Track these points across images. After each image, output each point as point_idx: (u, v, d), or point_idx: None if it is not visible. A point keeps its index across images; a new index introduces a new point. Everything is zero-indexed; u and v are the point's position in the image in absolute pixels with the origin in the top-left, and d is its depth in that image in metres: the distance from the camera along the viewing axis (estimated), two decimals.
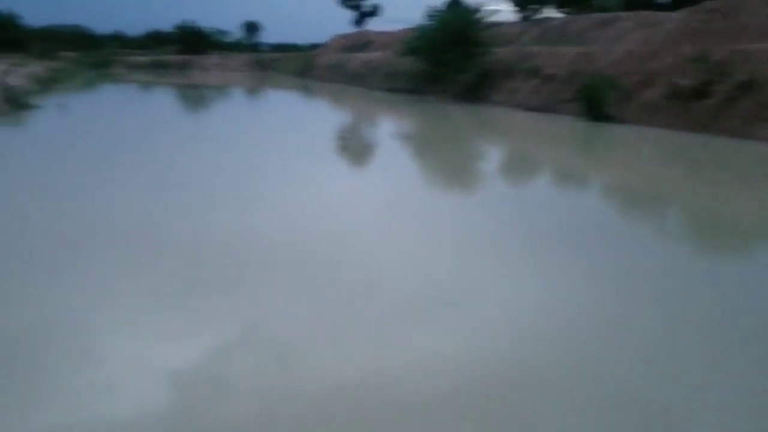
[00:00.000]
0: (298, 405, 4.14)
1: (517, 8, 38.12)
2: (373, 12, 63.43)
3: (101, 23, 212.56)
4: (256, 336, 5.10)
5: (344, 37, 59.58)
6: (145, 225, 8.20)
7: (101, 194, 9.80)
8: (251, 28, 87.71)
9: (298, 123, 22.61)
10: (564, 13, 36.90)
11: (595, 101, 20.42)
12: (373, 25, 62.67)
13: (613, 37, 25.36)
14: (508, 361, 4.78)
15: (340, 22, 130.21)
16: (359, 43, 53.49)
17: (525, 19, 36.89)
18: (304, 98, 36.41)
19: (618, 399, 4.27)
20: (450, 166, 14.36)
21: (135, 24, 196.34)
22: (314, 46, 71.63)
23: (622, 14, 27.85)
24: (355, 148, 16.69)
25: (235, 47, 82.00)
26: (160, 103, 30.87)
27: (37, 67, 34.17)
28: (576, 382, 4.50)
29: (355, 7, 63.08)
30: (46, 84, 30.49)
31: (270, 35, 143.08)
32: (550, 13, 37.54)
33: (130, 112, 25.38)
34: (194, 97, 34.71)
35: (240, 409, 4.05)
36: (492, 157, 15.73)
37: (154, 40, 79.37)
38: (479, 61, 28.36)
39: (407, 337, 5.13)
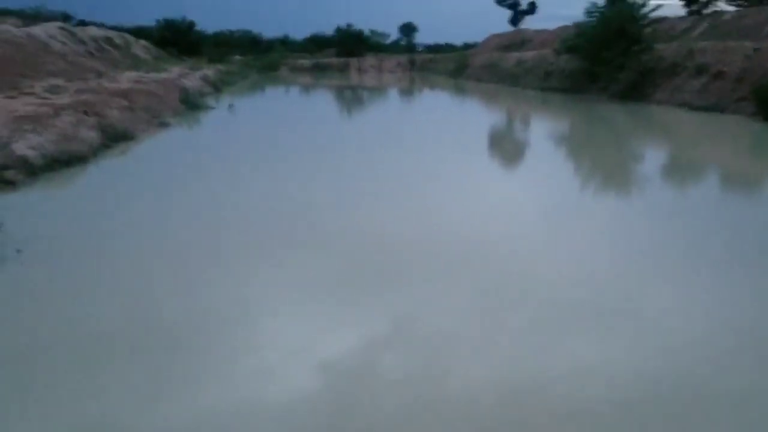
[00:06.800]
0: (444, 403, 4.22)
1: (684, 1, 35.80)
2: (530, 10, 62.39)
3: (269, 28, 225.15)
4: (409, 332, 5.31)
5: (500, 36, 59.06)
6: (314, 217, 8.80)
7: (253, 189, 10.56)
8: (407, 29, 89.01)
9: (450, 122, 22.76)
10: (736, 6, 34.17)
11: None
12: (529, 23, 61.55)
13: None
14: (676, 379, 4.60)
15: (497, 21, 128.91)
16: (515, 42, 52.81)
17: (693, 12, 34.62)
18: (456, 98, 36.51)
19: None
20: (611, 169, 13.81)
21: (300, 28, 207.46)
22: (469, 46, 71.65)
23: None
24: (510, 149, 16.53)
25: (392, 49, 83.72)
26: (319, 103, 32.37)
27: (209, 70, 36.86)
28: None
29: (512, 6, 62.34)
30: (217, 86, 32.85)
31: (426, 36, 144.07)
32: (721, 6, 34.86)
33: (290, 110, 26.97)
34: (351, 98, 35.99)
35: (387, 401, 4.25)
36: (656, 160, 14.80)
37: (316, 44, 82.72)
38: (641, 58, 27.12)
39: (561, 347, 5.04)
